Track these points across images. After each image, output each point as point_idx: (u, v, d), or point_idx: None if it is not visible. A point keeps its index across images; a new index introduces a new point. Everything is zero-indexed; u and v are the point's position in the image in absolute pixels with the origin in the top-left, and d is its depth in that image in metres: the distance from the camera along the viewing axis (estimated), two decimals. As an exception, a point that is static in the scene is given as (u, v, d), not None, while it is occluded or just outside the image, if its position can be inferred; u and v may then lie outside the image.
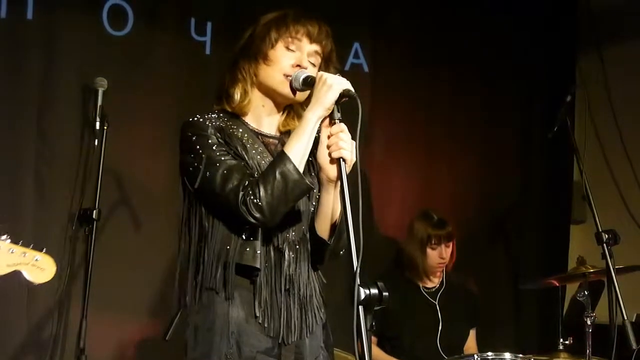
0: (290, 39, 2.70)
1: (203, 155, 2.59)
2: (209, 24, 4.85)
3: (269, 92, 2.73)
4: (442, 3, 5.58)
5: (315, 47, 2.73)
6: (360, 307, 2.19)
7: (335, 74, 2.63)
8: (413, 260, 4.70)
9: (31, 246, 2.85)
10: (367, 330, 2.18)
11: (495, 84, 5.75)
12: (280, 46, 2.70)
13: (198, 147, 2.60)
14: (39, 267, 2.83)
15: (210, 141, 2.61)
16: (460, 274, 4.87)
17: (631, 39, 5.68)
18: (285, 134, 2.74)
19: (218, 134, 2.64)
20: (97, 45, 4.53)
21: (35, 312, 4.31)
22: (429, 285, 4.75)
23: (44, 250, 2.89)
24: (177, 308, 2.78)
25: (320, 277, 2.78)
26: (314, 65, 2.73)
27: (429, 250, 4.67)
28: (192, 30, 4.81)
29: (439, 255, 4.67)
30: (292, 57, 2.70)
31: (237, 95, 2.72)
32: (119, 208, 4.53)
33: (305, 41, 2.71)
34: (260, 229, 2.58)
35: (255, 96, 2.74)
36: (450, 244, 4.70)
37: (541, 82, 5.89)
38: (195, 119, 2.67)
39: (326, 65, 2.76)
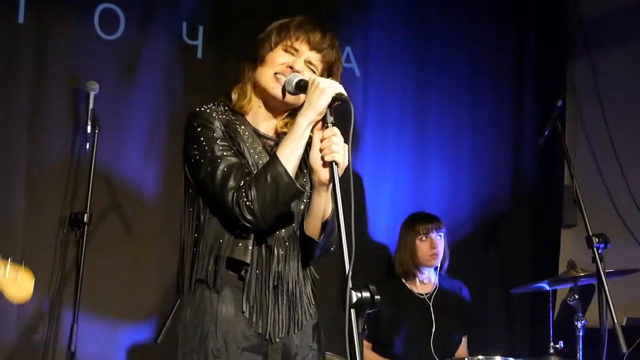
0: (289, 43, 2.72)
1: (206, 148, 2.61)
2: (201, 28, 4.85)
3: (262, 94, 2.75)
4: (434, 9, 5.60)
5: (315, 54, 2.74)
6: (352, 311, 2.20)
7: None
8: (404, 258, 4.71)
9: (9, 259, 2.77)
10: (359, 334, 2.19)
11: (487, 89, 5.76)
12: (278, 49, 2.73)
13: (202, 139, 2.62)
14: (17, 284, 2.74)
15: (214, 134, 2.63)
16: (454, 280, 4.87)
17: (621, 45, 5.70)
18: (283, 134, 2.74)
19: (223, 127, 2.66)
20: (88, 49, 4.52)
21: (26, 315, 4.30)
22: (424, 290, 4.76)
23: (23, 263, 2.79)
24: (176, 297, 2.80)
25: (312, 273, 2.80)
26: (313, 72, 2.73)
27: (418, 243, 4.68)
28: (183, 34, 4.81)
29: (431, 246, 4.67)
30: (287, 58, 2.72)
31: (235, 95, 2.75)
32: (110, 212, 4.53)
33: (304, 47, 2.73)
34: (255, 229, 2.60)
35: (254, 97, 2.77)
36: (442, 235, 4.71)
37: (532, 87, 5.91)
38: (203, 109, 2.69)
39: (328, 77, 2.76)
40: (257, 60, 2.74)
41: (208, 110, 2.69)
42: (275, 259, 2.65)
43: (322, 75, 2.74)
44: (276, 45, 2.73)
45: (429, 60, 5.58)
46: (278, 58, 2.71)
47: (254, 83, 2.75)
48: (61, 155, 4.41)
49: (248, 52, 2.80)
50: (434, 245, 4.68)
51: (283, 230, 2.69)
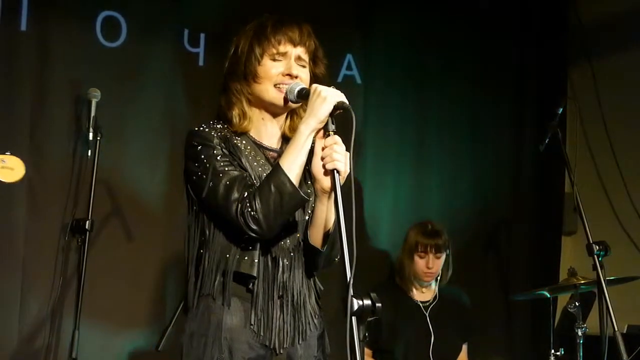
0: (274, 50, 2.70)
1: (208, 165, 2.61)
2: (203, 36, 4.86)
3: (266, 106, 2.75)
4: (435, 16, 5.60)
5: (300, 49, 2.73)
6: (354, 318, 2.21)
7: (325, 69, 2.71)
8: (402, 267, 4.71)
9: None
10: (360, 341, 2.20)
11: (487, 96, 5.76)
12: (266, 60, 2.70)
13: (203, 156, 2.62)
14: (8, 168, 2.89)
15: (215, 151, 2.63)
16: (454, 287, 4.86)
17: (622, 52, 5.70)
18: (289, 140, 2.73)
19: (223, 144, 2.66)
20: (90, 56, 4.54)
21: (28, 322, 4.31)
22: (423, 298, 4.75)
23: (9, 153, 2.94)
24: (181, 314, 2.80)
25: (316, 283, 2.80)
26: (303, 67, 2.74)
27: (416, 258, 4.65)
28: (185, 42, 4.83)
29: (426, 265, 4.65)
30: (280, 66, 2.71)
31: (236, 119, 2.72)
32: (111, 219, 4.54)
33: (289, 48, 2.71)
34: (261, 240, 2.60)
35: (254, 112, 2.75)
36: (441, 256, 4.68)
37: (533, 94, 5.91)
38: (201, 128, 2.69)
39: (314, 63, 2.77)
40: (249, 77, 2.71)
41: (207, 129, 2.68)
42: (280, 269, 2.66)
43: (309, 64, 2.75)
44: (262, 56, 2.70)
45: (429, 68, 5.59)
46: (270, 69, 2.70)
47: (249, 99, 2.74)
48: (63, 162, 4.43)
49: (232, 70, 2.75)
50: (430, 265, 4.65)
51: (288, 241, 2.69)
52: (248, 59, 2.71)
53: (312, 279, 2.77)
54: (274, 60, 2.71)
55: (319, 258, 2.70)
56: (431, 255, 4.64)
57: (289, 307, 2.67)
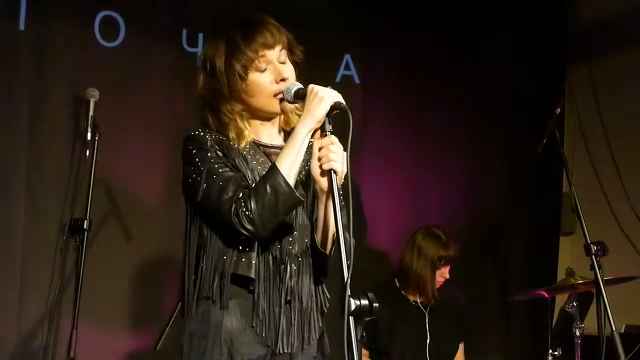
0: (255, 61, 2.67)
1: (202, 168, 2.61)
2: (201, 36, 4.86)
3: (264, 114, 2.74)
4: (433, 16, 5.61)
5: (277, 49, 2.69)
6: (351, 318, 2.21)
7: (302, 57, 2.70)
8: (423, 279, 4.64)
9: None
10: (357, 341, 2.20)
11: (485, 96, 5.77)
12: (252, 75, 2.67)
13: (198, 160, 2.63)
14: None
15: (209, 154, 2.63)
16: (450, 287, 4.86)
17: (620, 53, 5.71)
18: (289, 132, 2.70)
19: (217, 147, 2.66)
20: (89, 56, 4.55)
21: (26, 321, 4.31)
22: (420, 299, 4.75)
23: None
24: (179, 315, 2.79)
25: (324, 291, 2.78)
26: (283, 63, 2.70)
27: (437, 271, 4.67)
28: (184, 42, 4.83)
29: (441, 275, 4.68)
30: (268, 75, 2.68)
31: (234, 134, 2.70)
32: (110, 218, 4.54)
33: (267, 52, 2.67)
34: (256, 240, 2.60)
35: (250, 122, 2.74)
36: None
37: (531, 95, 5.92)
38: (196, 132, 2.69)
39: (292, 53, 2.75)
40: (238, 95, 2.68)
41: (202, 133, 2.68)
42: (288, 274, 2.65)
43: (287, 56, 2.72)
44: (245, 73, 2.66)
45: (427, 68, 5.59)
46: (262, 82, 2.67)
47: (242, 115, 2.71)
48: (61, 162, 4.43)
49: (216, 91, 2.70)
50: (445, 276, 4.69)
51: (296, 246, 2.68)
52: (231, 79, 2.67)
53: (320, 286, 2.76)
54: (259, 71, 2.68)
55: (326, 262, 2.70)
56: (448, 266, 4.67)
57: (296, 312, 2.67)
